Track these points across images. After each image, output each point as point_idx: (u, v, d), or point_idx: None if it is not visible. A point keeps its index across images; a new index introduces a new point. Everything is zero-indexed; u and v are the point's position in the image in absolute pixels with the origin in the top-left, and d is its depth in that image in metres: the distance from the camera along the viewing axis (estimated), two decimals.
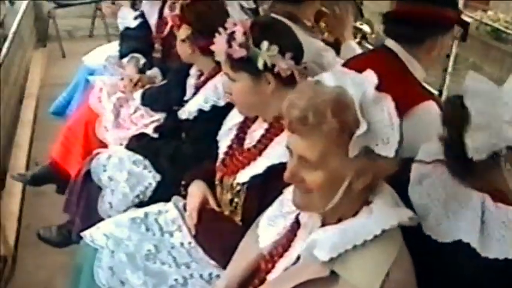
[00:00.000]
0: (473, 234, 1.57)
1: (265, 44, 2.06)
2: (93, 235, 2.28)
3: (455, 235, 1.60)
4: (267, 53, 2.06)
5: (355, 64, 2.42)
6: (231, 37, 2.11)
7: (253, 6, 3.95)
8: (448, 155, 1.67)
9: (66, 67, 6.19)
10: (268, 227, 1.82)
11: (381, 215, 1.52)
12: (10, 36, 5.72)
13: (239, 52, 2.09)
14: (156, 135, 3.00)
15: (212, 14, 2.76)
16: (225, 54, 2.13)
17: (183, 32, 2.78)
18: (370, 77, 1.55)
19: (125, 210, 2.72)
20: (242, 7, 3.78)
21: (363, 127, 1.46)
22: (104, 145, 3.23)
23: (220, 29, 2.16)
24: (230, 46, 2.11)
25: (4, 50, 5.26)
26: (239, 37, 2.10)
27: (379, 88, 1.53)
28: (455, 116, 1.60)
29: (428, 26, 2.28)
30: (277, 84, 2.10)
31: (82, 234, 2.32)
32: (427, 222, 1.65)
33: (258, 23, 2.16)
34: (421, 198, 1.69)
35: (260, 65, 2.07)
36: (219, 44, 2.15)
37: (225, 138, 2.39)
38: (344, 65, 2.56)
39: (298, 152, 1.55)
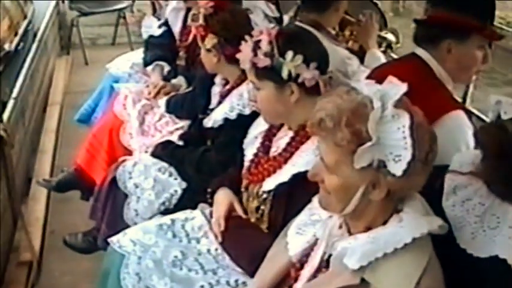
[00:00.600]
0: (510, 250, 1.55)
1: (290, 54, 2.07)
2: (120, 241, 2.30)
3: (491, 250, 1.57)
4: (291, 62, 2.07)
5: (383, 72, 2.40)
6: (256, 45, 2.13)
7: (277, 14, 3.97)
8: (485, 172, 1.65)
9: (89, 75, 6.26)
10: (297, 235, 1.83)
11: (411, 223, 1.52)
12: (35, 43, 5.80)
13: (264, 61, 2.11)
14: (181, 143, 3.01)
15: (237, 22, 2.78)
16: (250, 62, 2.15)
17: (209, 41, 2.79)
18: (396, 89, 1.55)
19: (150, 218, 2.75)
20: (266, 15, 3.80)
21: (371, 141, 1.47)
22: (129, 152, 3.26)
23: (247, 37, 2.18)
24: (255, 55, 2.12)
25: (29, 57, 5.33)
26: (264, 46, 2.11)
27: (407, 96, 1.54)
28: (495, 142, 1.58)
29: (441, 28, 2.28)
30: (301, 94, 2.12)
31: (109, 240, 2.34)
32: (462, 235, 1.63)
33: (284, 32, 2.16)
34: (455, 210, 1.68)
35: (284, 74, 2.08)
36: (244, 52, 2.17)
37: (250, 146, 2.40)
38: (372, 73, 2.56)
39: (320, 153, 1.60)
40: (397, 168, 1.48)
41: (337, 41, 3.20)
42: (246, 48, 2.15)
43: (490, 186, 1.63)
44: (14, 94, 4.45)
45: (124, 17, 7.26)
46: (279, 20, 3.95)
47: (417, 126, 1.49)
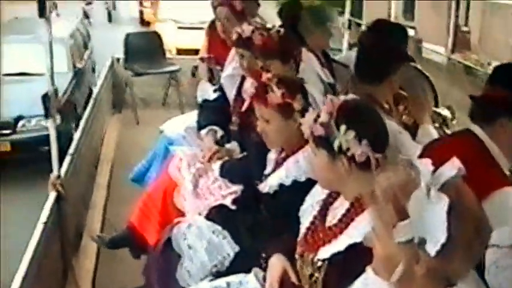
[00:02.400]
0: None
1: (343, 128, 2.14)
2: None
3: None
4: (343, 136, 2.14)
5: (436, 149, 2.47)
6: (318, 114, 2.21)
7: (331, 80, 4.06)
8: None
9: (139, 134, 6.44)
10: None
11: None
12: (91, 102, 6.02)
13: (319, 130, 2.18)
14: (234, 207, 3.08)
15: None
16: (309, 129, 2.23)
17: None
18: (448, 171, 1.59)
19: (202, 279, 2.80)
20: (322, 80, 3.90)
21: (409, 219, 1.51)
22: (182, 214, 3.34)
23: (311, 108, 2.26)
24: (315, 122, 2.21)
25: (86, 114, 5.53)
26: (323, 116, 2.19)
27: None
28: None
29: (497, 106, 2.32)
30: (352, 167, 2.16)
31: None
32: None
33: (344, 106, 2.22)
34: (498, 283, 1.70)
35: (335, 147, 2.15)
36: (307, 119, 2.25)
37: (307, 214, 2.45)
38: (425, 149, 2.60)
39: (371, 222, 1.64)
40: (431, 249, 1.50)
41: (390, 115, 3.25)
42: (309, 115, 2.24)
43: None
44: (71, 150, 4.62)
45: (175, 80, 7.49)
46: (333, 86, 4.05)
47: (460, 211, 1.51)
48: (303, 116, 2.38)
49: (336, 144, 2.15)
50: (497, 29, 15.42)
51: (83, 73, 10.14)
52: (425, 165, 1.61)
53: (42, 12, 3.66)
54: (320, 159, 2.23)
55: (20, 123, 7.90)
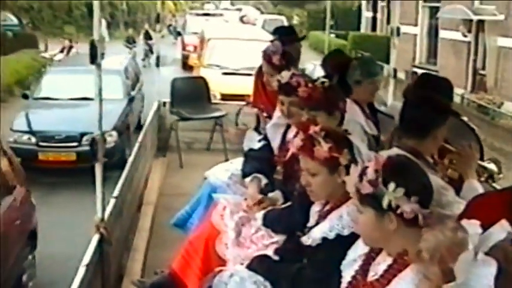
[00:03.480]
0: None
1: (392, 185, 2.13)
2: None
3: None
4: (393, 194, 2.14)
5: (479, 205, 2.44)
6: (363, 171, 2.21)
7: (375, 132, 4.06)
8: None
9: (183, 178, 6.50)
10: None
11: None
12: (136, 145, 6.12)
13: (367, 188, 2.18)
14: (276, 258, 3.08)
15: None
16: (355, 187, 2.23)
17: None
18: (496, 234, 1.57)
19: None
20: (366, 132, 3.90)
21: (456, 281, 1.50)
22: (223, 262, 3.35)
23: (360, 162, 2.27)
24: (361, 180, 2.20)
25: (131, 157, 5.62)
26: (370, 173, 2.19)
27: None
28: None
29: None
30: (400, 224, 2.15)
31: None
32: None
33: (391, 163, 2.23)
34: None
35: (385, 204, 2.14)
36: (351, 176, 2.25)
37: (349, 268, 2.44)
38: (468, 205, 2.57)
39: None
40: None
41: (435, 170, 3.22)
42: (354, 172, 2.24)
43: None
44: (115, 193, 4.68)
45: (220, 125, 7.56)
46: (377, 138, 4.05)
47: (508, 277, 1.50)
48: (347, 169, 2.38)
49: (384, 202, 2.14)
50: (511, 72, 16.39)
51: (135, 100, 12.12)
52: (473, 227, 1.61)
53: (93, 60, 3.82)
54: (366, 217, 2.23)
55: (84, 137, 9.54)
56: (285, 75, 3.87)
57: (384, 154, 2.41)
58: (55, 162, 9.55)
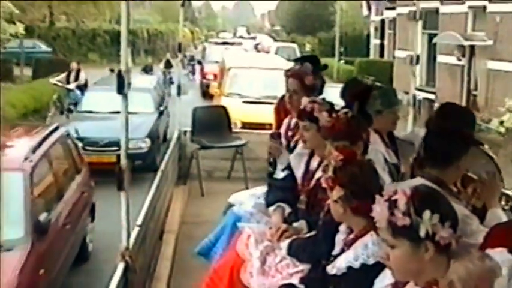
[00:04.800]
0: None
1: (427, 213, 2.16)
2: None
3: None
4: (429, 221, 2.16)
5: (502, 232, 2.46)
6: (393, 205, 2.22)
7: (395, 161, 4.08)
8: None
9: (204, 206, 6.53)
10: None
11: None
12: (158, 173, 6.18)
13: (402, 220, 2.18)
14: (302, 287, 3.10)
15: (364, 176, 2.92)
16: (387, 221, 2.22)
17: (336, 193, 2.92)
18: None
19: None
20: (386, 160, 3.93)
21: None
22: None
23: (378, 196, 2.28)
24: (392, 213, 2.22)
25: (154, 185, 5.67)
26: (402, 205, 2.20)
27: None
28: None
29: None
30: (435, 252, 2.17)
31: None
32: None
33: (419, 193, 2.25)
34: None
35: (422, 233, 2.15)
36: (380, 212, 2.25)
37: None
38: (490, 231, 2.59)
39: None
40: None
41: (459, 199, 3.24)
42: (381, 207, 2.25)
43: None
44: (139, 222, 4.72)
45: (241, 153, 7.61)
46: (397, 167, 4.07)
47: None
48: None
49: (422, 231, 2.15)
50: (499, 91, 17.95)
51: (163, 114, 14.17)
52: (501, 254, 1.63)
53: (120, 90, 3.89)
54: (401, 250, 2.21)
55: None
56: (304, 101, 3.92)
57: (408, 184, 2.43)
58: (98, 163, 10.37)
